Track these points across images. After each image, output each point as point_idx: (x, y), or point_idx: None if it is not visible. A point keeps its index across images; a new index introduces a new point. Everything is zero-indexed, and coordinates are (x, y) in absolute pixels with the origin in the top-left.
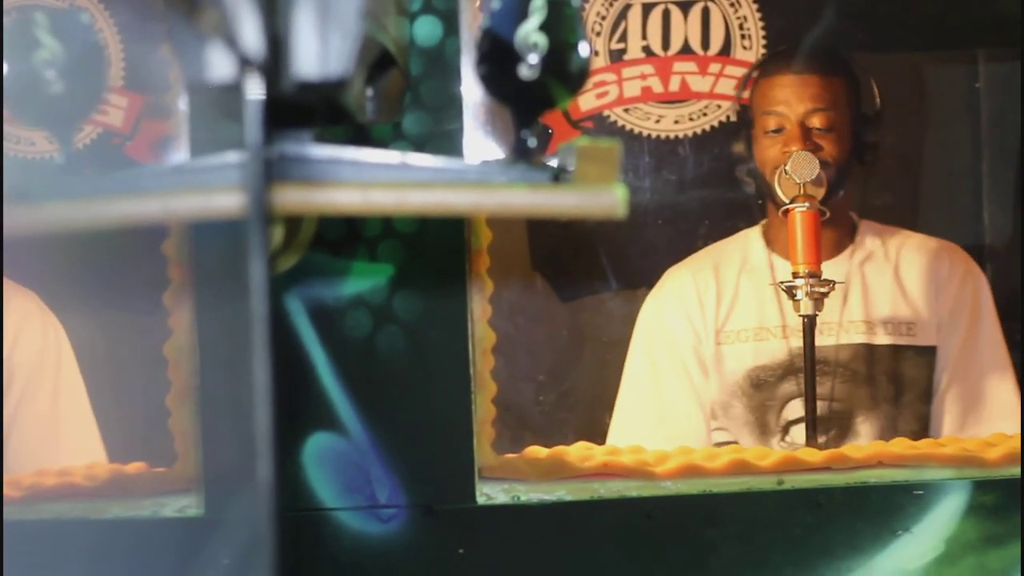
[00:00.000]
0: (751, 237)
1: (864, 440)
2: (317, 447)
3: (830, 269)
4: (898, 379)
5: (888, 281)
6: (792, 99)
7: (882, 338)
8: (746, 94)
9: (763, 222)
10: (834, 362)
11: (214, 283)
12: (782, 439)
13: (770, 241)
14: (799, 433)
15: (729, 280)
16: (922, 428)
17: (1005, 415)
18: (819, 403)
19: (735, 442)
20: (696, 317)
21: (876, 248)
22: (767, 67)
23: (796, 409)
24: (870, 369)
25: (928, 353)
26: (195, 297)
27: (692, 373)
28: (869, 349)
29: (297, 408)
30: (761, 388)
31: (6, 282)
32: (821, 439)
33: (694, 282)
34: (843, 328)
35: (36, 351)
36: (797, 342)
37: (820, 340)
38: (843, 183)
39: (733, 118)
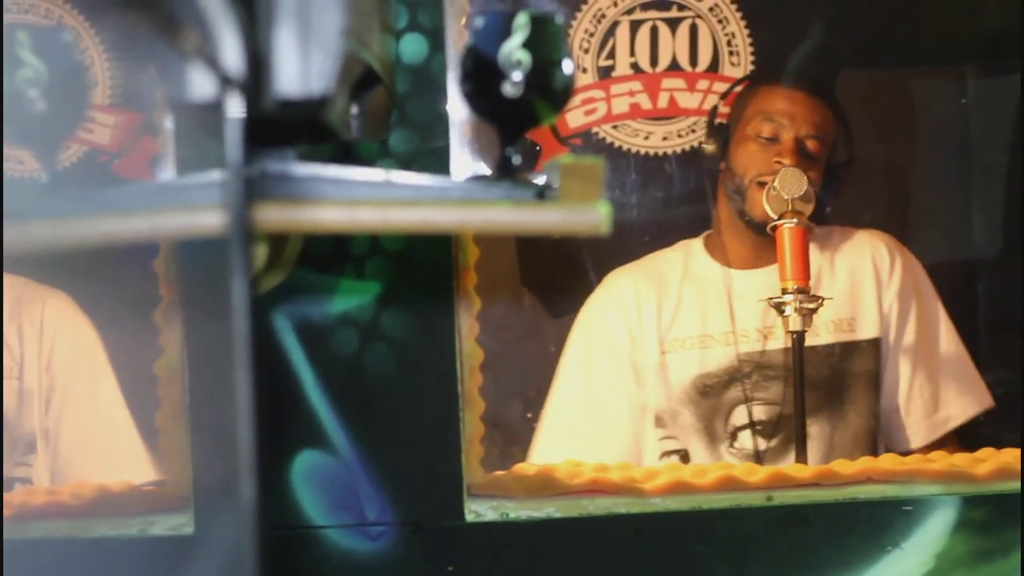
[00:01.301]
0: (692, 246)
1: (816, 442)
2: (305, 465)
3: (766, 278)
4: (844, 376)
5: (826, 279)
6: (799, 115)
7: (824, 337)
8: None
9: (706, 232)
10: (779, 366)
11: (203, 301)
12: (731, 445)
13: (712, 250)
14: (746, 438)
15: (671, 288)
16: (872, 421)
17: (965, 392)
18: (767, 407)
19: (684, 450)
20: (634, 323)
21: (812, 249)
22: (771, 76)
23: (743, 415)
24: (815, 371)
25: (871, 346)
26: (184, 315)
27: (627, 378)
28: (812, 351)
29: (285, 426)
30: (708, 395)
31: (36, 285)
32: (773, 442)
33: (634, 288)
34: (779, 329)
35: (73, 354)
36: (742, 348)
37: (765, 346)
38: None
39: (717, 118)
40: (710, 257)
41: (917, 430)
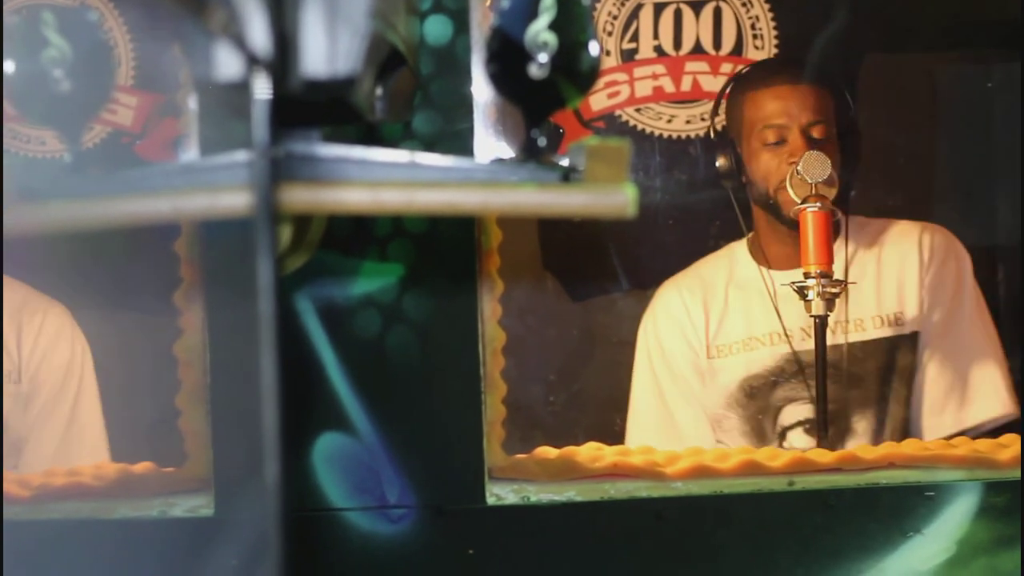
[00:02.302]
0: (737, 251)
1: (864, 438)
2: (327, 447)
3: None
4: (889, 370)
5: (872, 274)
6: (793, 110)
7: (871, 332)
8: (722, 111)
9: (749, 235)
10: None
11: (225, 282)
12: (779, 445)
13: (757, 254)
14: (796, 438)
15: (717, 295)
16: (909, 414)
17: (989, 394)
18: (814, 405)
19: None
20: (690, 332)
21: (859, 243)
22: (750, 81)
23: (791, 414)
24: (862, 366)
25: (912, 339)
26: (206, 296)
27: (693, 386)
28: (860, 346)
29: (307, 408)
30: (755, 397)
31: (39, 295)
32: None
33: (681, 300)
34: (832, 328)
35: (63, 367)
36: (786, 348)
37: (809, 344)
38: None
39: (713, 136)
40: (754, 260)
41: (929, 425)
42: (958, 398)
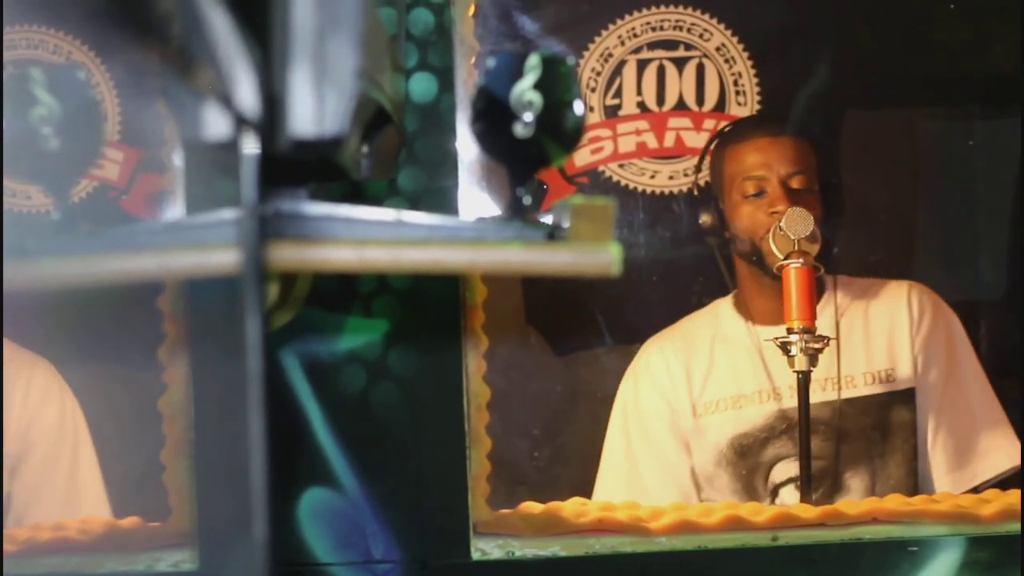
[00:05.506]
0: (722, 307)
1: (856, 495)
2: (312, 502)
3: None
4: (883, 428)
5: (860, 331)
6: (772, 161)
7: (862, 389)
8: (705, 167)
9: (734, 292)
10: (816, 420)
11: (210, 338)
12: (771, 502)
13: (743, 310)
14: (788, 494)
15: (702, 352)
16: (910, 473)
17: (998, 448)
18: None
19: None
20: (670, 394)
21: (846, 301)
22: (731, 136)
23: (783, 471)
24: (854, 423)
25: (907, 396)
26: (191, 352)
27: (668, 451)
28: (850, 403)
29: (292, 463)
30: (746, 455)
31: (23, 351)
32: (814, 496)
33: (664, 359)
34: (822, 385)
35: (55, 425)
36: (776, 405)
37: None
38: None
39: (696, 192)
40: (740, 316)
41: (942, 484)
42: (969, 453)
